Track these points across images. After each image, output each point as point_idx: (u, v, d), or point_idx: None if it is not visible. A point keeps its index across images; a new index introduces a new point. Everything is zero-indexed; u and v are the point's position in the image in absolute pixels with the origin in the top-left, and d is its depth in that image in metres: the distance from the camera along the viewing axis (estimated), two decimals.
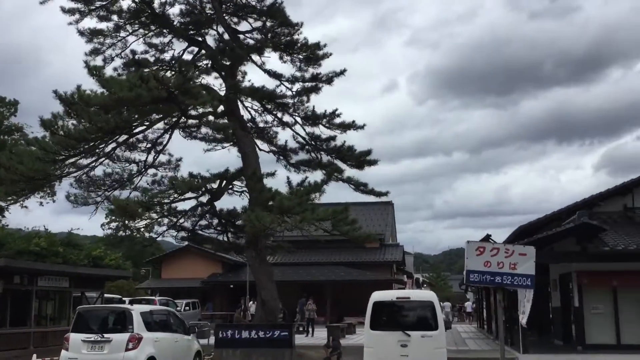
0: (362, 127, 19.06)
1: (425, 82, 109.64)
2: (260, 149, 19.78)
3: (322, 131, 19.34)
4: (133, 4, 18.59)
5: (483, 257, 9.89)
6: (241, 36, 19.66)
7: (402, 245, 41.99)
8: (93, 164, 17.73)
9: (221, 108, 18.18)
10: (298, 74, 19.45)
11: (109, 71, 17.64)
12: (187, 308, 30.25)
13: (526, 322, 16.71)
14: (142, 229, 20.17)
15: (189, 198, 17.75)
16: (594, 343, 17.55)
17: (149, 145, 19.13)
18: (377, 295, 12.61)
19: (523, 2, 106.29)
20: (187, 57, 19.37)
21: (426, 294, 13.27)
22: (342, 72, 18.92)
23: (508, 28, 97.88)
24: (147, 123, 17.77)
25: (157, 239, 23.49)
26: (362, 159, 18.95)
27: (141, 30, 19.47)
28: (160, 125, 18.74)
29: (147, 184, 18.28)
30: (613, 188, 19.43)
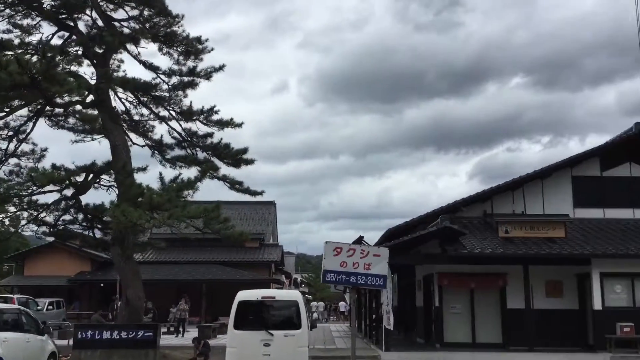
0: (239, 124, 18.94)
1: (315, 85, 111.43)
2: (134, 143, 19.20)
3: (199, 127, 19.05)
4: None
5: (340, 257, 10.14)
6: (117, 24, 18.90)
7: (282, 245, 42.30)
8: None
9: (91, 97, 17.39)
10: (176, 67, 19.01)
11: None
12: (51, 307, 28.56)
13: (390, 321, 17.34)
14: (7, 223, 18.85)
15: (51, 191, 16.78)
16: (452, 341, 18.54)
17: (10, 133, 17.96)
18: (242, 295, 12.60)
19: (410, 14, 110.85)
20: (57, 42, 18.37)
21: (291, 294, 13.42)
22: (221, 68, 18.71)
23: (395, 38, 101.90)
24: (7, 109, 16.61)
25: (21, 234, 22.04)
26: (238, 157, 18.84)
27: (7, 11, 18.20)
28: (24, 112, 17.65)
29: (5, 174, 17.10)
30: (474, 195, 20.56)
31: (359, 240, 22.93)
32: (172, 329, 26.33)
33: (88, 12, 18.61)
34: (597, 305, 17.47)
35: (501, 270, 18.58)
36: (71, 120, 18.79)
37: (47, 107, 17.60)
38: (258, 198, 20.87)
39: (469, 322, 19.05)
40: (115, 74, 18.58)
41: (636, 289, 17.68)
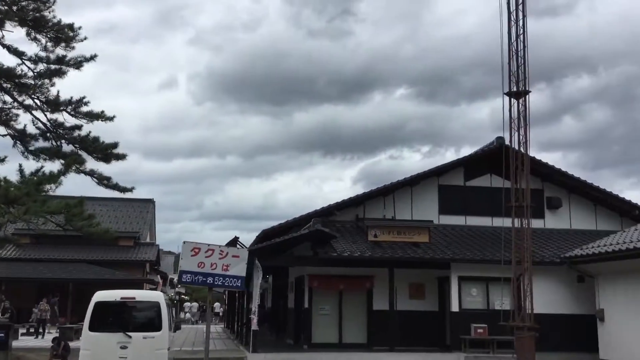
0: (111, 118, 18.18)
1: (205, 83, 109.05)
2: None
3: (66, 119, 18.14)
4: None
5: (198, 257, 10.05)
6: None
7: (159, 244, 41.21)
8: None
9: None
10: (43, 54, 17.99)
11: None
12: None
13: (258, 323, 17.39)
14: None
15: None
16: (319, 342, 18.89)
17: None
18: (100, 295, 12.20)
19: (303, 20, 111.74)
20: None
21: (153, 295, 13.13)
22: (93, 58, 17.87)
23: (288, 42, 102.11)
24: None
25: None
26: (108, 152, 18.08)
27: None
28: None
29: None
30: (348, 199, 21.08)
31: (234, 241, 22.89)
32: (32, 329, 24.86)
33: None
34: (455, 307, 18.49)
35: (369, 272, 19.20)
36: None
37: None
38: (135, 195, 20.33)
39: (336, 323, 19.50)
40: None
41: (490, 292, 18.85)
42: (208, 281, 10.14)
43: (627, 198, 22.47)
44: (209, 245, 10.22)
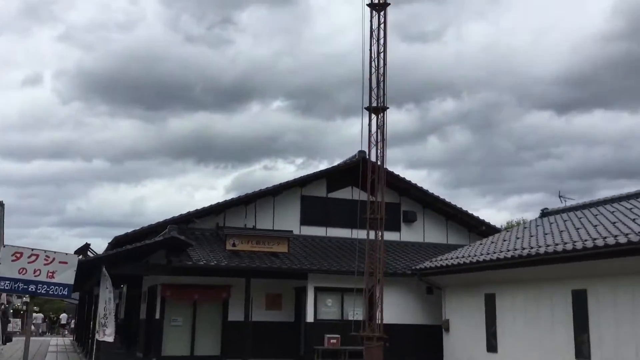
0: None
1: (73, 82, 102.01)
2: None
3: None
4: None
5: (19, 263, 9.16)
6: None
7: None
8: None
9: None
10: None
11: None
12: None
13: (107, 333, 16.32)
14: None
15: None
16: (170, 354, 18.18)
17: None
18: None
19: (182, 25, 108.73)
20: None
21: None
22: None
23: (165, 46, 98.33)
24: None
25: None
26: None
27: None
28: None
29: None
30: (208, 207, 20.50)
31: (85, 248, 21.50)
32: None
33: None
34: (310, 317, 18.50)
35: (226, 282, 18.77)
36: None
37: None
38: None
39: (189, 334, 18.84)
40: None
41: (345, 302, 19.05)
42: (30, 289, 9.26)
43: (482, 215, 23.96)
44: (32, 249, 9.34)
